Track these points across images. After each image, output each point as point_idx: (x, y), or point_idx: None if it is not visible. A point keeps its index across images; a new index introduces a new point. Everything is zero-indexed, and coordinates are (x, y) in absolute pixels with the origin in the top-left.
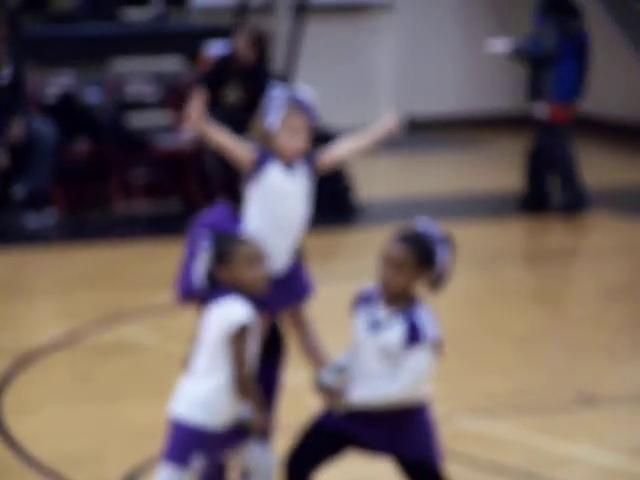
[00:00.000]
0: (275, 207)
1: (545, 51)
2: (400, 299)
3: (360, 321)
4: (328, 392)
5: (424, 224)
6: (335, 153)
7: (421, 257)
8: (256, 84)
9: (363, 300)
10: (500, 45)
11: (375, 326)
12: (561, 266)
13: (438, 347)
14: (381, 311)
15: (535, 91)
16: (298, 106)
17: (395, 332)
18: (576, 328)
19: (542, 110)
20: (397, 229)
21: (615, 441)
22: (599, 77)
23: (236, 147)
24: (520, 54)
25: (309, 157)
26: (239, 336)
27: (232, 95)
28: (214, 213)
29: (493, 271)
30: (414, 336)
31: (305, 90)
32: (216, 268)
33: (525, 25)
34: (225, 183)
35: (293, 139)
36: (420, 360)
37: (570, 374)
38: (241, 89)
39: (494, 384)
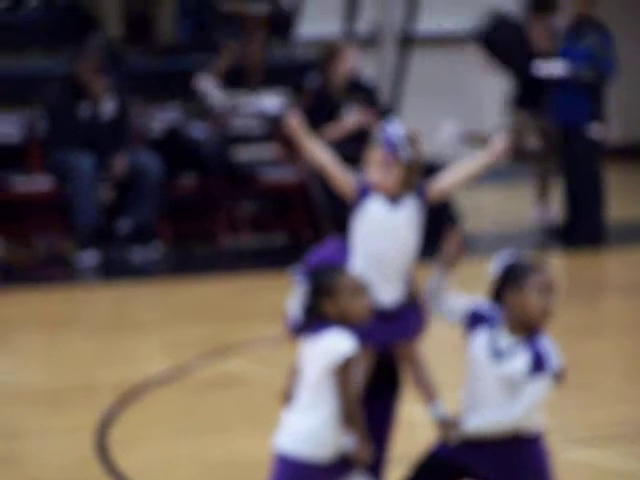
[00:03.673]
0: (375, 241)
1: (611, 70)
2: (527, 328)
3: (480, 346)
4: (443, 423)
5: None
6: (444, 182)
7: None
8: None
9: (481, 321)
10: (550, 68)
11: (498, 354)
12: None
13: (560, 377)
14: (505, 339)
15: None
16: (379, 140)
17: (520, 361)
18: None
19: (601, 132)
20: (528, 259)
21: None
22: None
23: (338, 174)
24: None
25: (418, 189)
26: (344, 369)
27: (354, 117)
28: (324, 249)
29: (593, 303)
30: (539, 365)
31: (396, 124)
32: (320, 302)
33: None
34: (334, 216)
35: (373, 173)
36: (539, 389)
37: None
38: (359, 106)
39: (604, 415)
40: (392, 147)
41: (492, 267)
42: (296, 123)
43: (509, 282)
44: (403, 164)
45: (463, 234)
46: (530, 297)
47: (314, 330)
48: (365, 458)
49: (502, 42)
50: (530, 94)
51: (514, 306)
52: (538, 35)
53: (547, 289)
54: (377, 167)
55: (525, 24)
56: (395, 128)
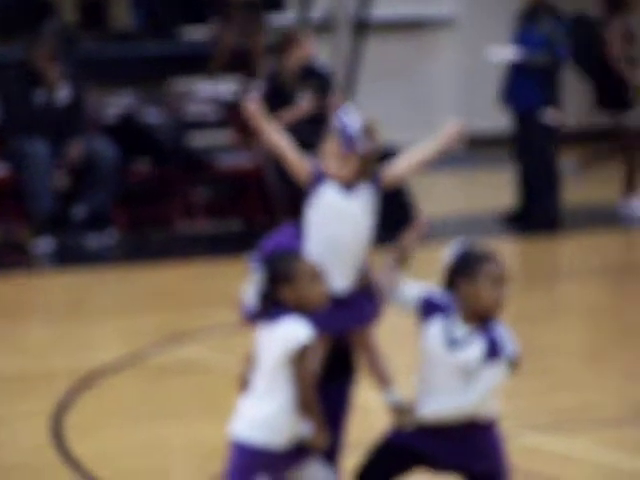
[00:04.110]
0: (330, 227)
1: (565, 55)
2: (480, 317)
3: (434, 335)
4: (397, 409)
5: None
6: (398, 168)
7: None
8: (320, 81)
9: (435, 309)
10: (503, 53)
11: (453, 343)
12: (615, 282)
13: (515, 364)
14: (459, 329)
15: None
16: (335, 132)
17: (475, 349)
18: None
19: (554, 117)
20: (478, 250)
21: None
22: None
23: (295, 159)
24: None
25: (372, 176)
26: (301, 356)
27: (307, 102)
28: (279, 235)
29: (549, 288)
30: (493, 351)
31: (353, 115)
32: (277, 288)
33: None
34: (289, 202)
35: (329, 164)
36: (494, 375)
37: (637, 389)
38: (311, 91)
39: (560, 400)
40: (348, 139)
41: (445, 255)
42: (255, 108)
43: (462, 272)
44: (359, 155)
45: (426, 227)
46: (483, 287)
47: (271, 317)
48: (321, 444)
49: (578, 43)
50: (609, 95)
51: (467, 296)
52: (613, 36)
53: (499, 279)
54: (333, 158)
55: (601, 25)
56: (352, 119)
